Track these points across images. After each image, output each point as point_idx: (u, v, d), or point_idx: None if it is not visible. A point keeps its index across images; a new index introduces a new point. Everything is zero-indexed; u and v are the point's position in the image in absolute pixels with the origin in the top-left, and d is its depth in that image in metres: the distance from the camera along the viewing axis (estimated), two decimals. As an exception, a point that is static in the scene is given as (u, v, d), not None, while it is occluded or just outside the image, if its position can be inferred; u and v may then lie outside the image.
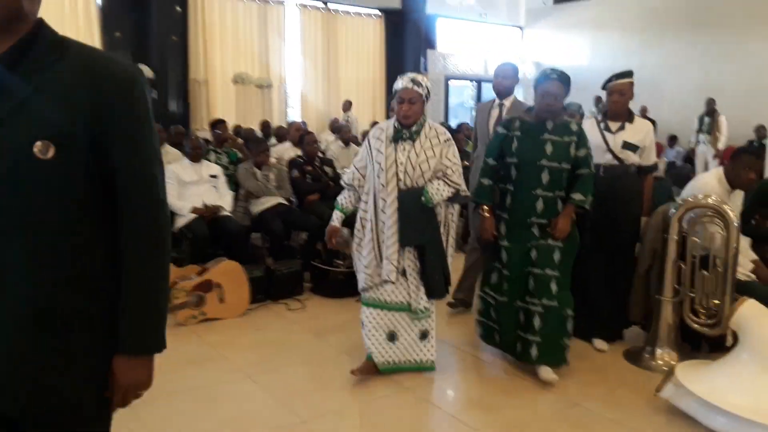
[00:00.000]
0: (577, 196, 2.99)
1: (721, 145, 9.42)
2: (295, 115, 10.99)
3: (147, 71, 8.77)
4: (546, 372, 2.99)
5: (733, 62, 10.70)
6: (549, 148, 2.99)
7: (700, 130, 9.74)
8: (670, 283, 3.24)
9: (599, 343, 3.47)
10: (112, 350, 1.16)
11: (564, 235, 2.97)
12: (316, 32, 11.32)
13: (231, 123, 8.31)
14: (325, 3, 11.41)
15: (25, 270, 1.08)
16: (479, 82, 13.73)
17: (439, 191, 2.92)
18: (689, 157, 10.05)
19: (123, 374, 1.17)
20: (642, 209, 3.56)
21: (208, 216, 4.43)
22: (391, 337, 3.03)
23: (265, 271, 4.23)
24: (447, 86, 13.01)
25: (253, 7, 10.44)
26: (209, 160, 5.08)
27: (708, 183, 3.29)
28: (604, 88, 3.49)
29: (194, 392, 2.88)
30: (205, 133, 7.79)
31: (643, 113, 10.74)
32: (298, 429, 2.58)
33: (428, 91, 2.94)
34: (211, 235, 4.38)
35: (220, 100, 9.94)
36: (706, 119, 9.67)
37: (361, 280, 3.01)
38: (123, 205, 1.14)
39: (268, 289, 4.20)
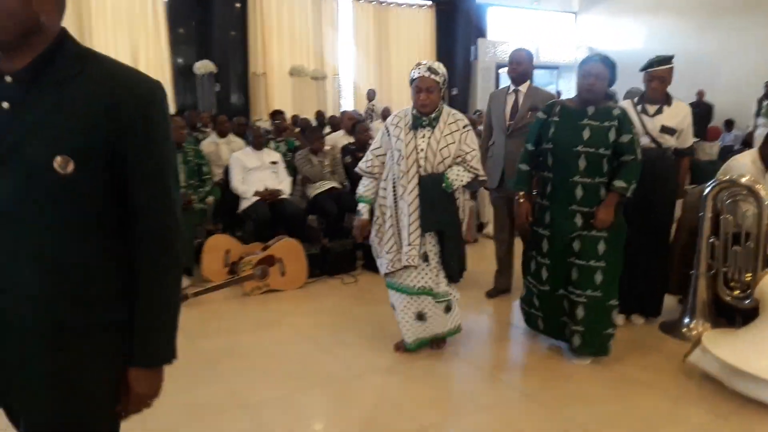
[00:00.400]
0: (619, 183, 2.91)
1: (780, 129, 9.18)
2: (347, 105, 11.36)
3: (210, 66, 9.33)
4: (579, 360, 3.08)
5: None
6: (587, 134, 2.92)
7: (758, 114, 9.52)
8: (704, 258, 3.39)
9: (636, 318, 3.66)
10: (122, 362, 1.18)
11: (606, 226, 2.92)
12: (368, 24, 11.67)
13: (288, 114, 8.76)
14: (377, -4, 11.74)
15: (37, 283, 1.09)
16: (530, 69, 13.72)
17: (459, 177, 2.94)
18: (747, 142, 9.82)
19: (138, 386, 1.18)
20: (678, 192, 3.64)
21: (269, 199, 4.82)
22: (420, 316, 3.11)
23: (320, 249, 4.60)
24: (497, 74, 13.07)
25: (308, 2, 10.88)
26: (270, 148, 5.48)
27: (742, 163, 3.41)
28: (643, 70, 3.48)
29: (264, 351, 3.27)
30: (264, 123, 8.25)
31: (701, 97, 10.56)
32: (353, 380, 2.92)
33: (445, 78, 2.93)
34: (272, 217, 4.77)
35: (277, 92, 10.42)
36: (766, 102, 9.44)
37: (383, 266, 3.06)
38: (136, 220, 1.14)
39: (324, 265, 4.56)
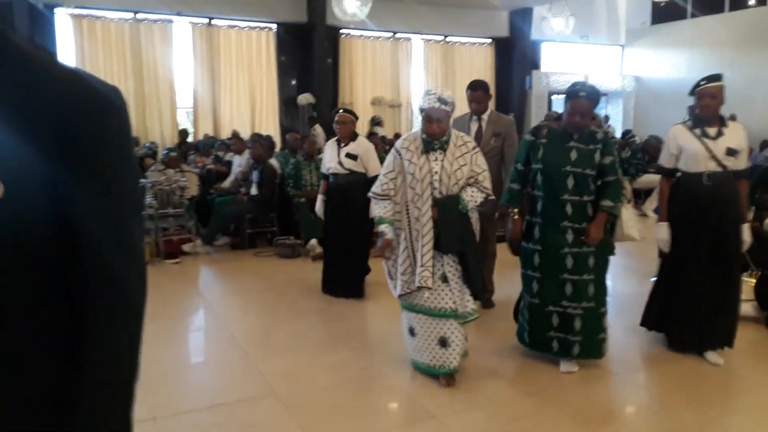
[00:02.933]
0: (607, 203, 3.07)
1: (805, 148, 10.29)
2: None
3: (310, 98, 11.48)
4: (567, 366, 3.25)
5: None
6: (574, 155, 3.07)
7: (785, 135, 10.66)
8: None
9: (712, 356, 3.42)
10: None
11: (596, 243, 3.08)
12: (437, 61, 13.69)
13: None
14: (445, 36, 13.71)
15: None
16: (581, 96, 15.22)
17: (473, 197, 3.00)
18: (774, 160, 10.98)
19: None
20: (743, 216, 3.44)
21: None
22: (443, 342, 3.04)
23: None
24: (550, 100, 14.70)
25: (387, 44, 13.07)
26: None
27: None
28: (692, 93, 3.35)
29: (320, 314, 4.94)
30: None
31: (733, 120, 11.77)
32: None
33: (453, 104, 2.97)
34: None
35: (361, 118, 12.46)
36: (791, 125, 10.60)
37: (399, 287, 3.05)
38: (78, 257, 0.85)
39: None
